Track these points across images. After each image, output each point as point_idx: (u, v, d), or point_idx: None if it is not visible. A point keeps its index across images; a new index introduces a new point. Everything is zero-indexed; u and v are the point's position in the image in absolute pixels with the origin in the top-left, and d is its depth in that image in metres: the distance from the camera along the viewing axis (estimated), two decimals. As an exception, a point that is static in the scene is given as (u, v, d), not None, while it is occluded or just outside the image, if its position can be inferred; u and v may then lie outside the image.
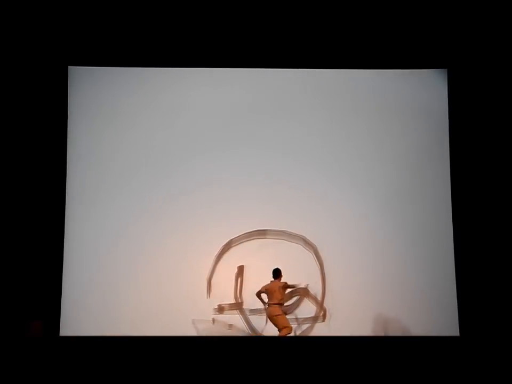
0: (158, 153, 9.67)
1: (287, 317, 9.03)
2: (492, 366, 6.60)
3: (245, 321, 9.33)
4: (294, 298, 9.39)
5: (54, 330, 8.87)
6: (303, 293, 9.39)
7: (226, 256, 9.47)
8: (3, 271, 8.98)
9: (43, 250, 9.18)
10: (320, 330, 9.25)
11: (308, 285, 9.30)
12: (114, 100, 9.72)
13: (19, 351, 6.69)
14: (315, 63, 9.75)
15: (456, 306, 9.25)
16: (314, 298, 9.40)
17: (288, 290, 9.05)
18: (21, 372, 6.53)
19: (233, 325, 9.30)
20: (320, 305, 9.35)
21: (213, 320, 9.27)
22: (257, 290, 9.03)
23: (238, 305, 9.34)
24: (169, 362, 6.65)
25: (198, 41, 9.53)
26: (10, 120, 9.33)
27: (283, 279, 8.96)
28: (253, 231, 9.51)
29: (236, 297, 9.34)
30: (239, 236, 9.47)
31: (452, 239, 9.49)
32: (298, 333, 9.19)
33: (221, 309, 9.29)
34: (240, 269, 9.38)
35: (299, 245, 9.50)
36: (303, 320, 9.31)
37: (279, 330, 8.80)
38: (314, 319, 9.32)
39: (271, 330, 8.95)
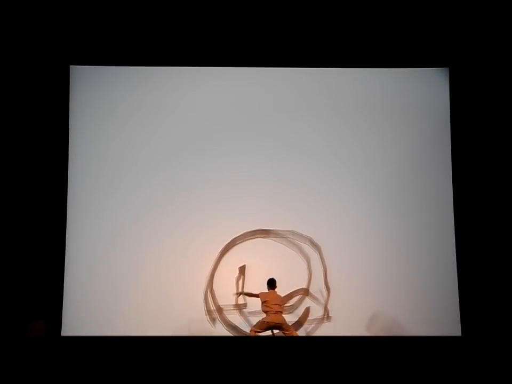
0: (160, 152, 9.67)
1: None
2: (494, 367, 6.59)
3: (246, 322, 9.33)
4: (295, 298, 9.38)
5: (55, 330, 8.88)
6: (305, 292, 9.38)
7: (228, 255, 9.47)
8: (5, 271, 8.99)
9: (45, 250, 9.19)
10: (321, 330, 9.26)
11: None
12: (116, 98, 9.72)
13: (21, 351, 6.68)
14: (317, 62, 9.75)
15: (458, 306, 9.26)
16: (315, 298, 9.38)
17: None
18: (23, 371, 6.52)
19: (235, 325, 9.33)
20: (325, 306, 9.33)
21: (213, 320, 9.28)
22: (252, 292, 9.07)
23: (239, 306, 9.32)
24: (171, 363, 6.64)
25: (201, 39, 9.53)
26: (12, 119, 9.33)
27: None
28: (256, 230, 9.51)
29: (237, 298, 9.34)
30: (241, 234, 9.48)
31: (454, 238, 9.49)
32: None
33: (219, 310, 9.29)
34: (242, 270, 9.36)
35: (305, 245, 9.48)
36: (309, 322, 9.29)
37: (284, 333, 8.83)
38: (320, 321, 9.31)
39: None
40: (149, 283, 9.26)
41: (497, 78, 9.48)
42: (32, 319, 8.28)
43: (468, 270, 9.31)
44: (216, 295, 9.32)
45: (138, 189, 9.58)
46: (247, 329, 9.20)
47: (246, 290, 9.28)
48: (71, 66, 9.68)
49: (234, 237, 9.46)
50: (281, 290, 9.05)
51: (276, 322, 8.86)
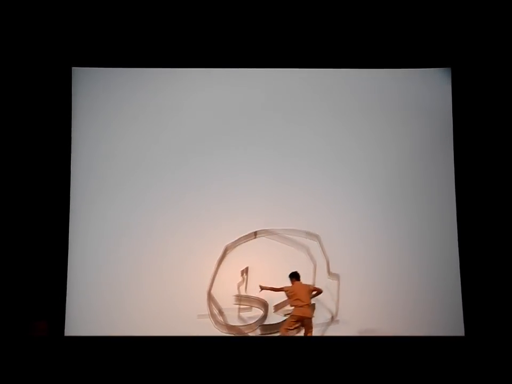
0: (162, 153, 9.67)
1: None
2: (497, 366, 6.59)
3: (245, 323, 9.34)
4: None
5: (59, 330, 8.89)
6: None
7: (229, 256, 9.47)
8: (9, 271, 9.00)
9: (48, 251, 9.20)
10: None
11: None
12: (118, 100, 9.74)
13: (24, 351, 6.69)
14: (318, 63, 9.76)
15: (461, 306, 9.24)
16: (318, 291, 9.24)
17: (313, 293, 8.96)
18: (26, 371, 6.53)
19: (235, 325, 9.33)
20: (336, 305, 9.30)
21: (216, 318, 9.29)
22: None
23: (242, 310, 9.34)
24: (174, 362, 6.65)
25: (203, 41, 9.54)
26: (15, 121, 9.35)
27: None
28: (258, 230, 9.51)
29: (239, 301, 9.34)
30: (243, 235, 9.48)
31: (457, 238, 9.48)
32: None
33: (221, 313, 9.29)
34: (244, 272, 9.35)
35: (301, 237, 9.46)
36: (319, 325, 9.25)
37: (306, 331, 8.72)
38: (329, 323, 9.28)
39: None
40: (152, 283, 9.26)
41: (499, 78, 9.48)
42: (35, 319, 8.31)
43: (471, 270, 9.30)
44: (216, 299, 9.30)
45: (140, 190, 9.59)
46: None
47: (248, 292, 9.27)
48: (73, 68, 9.70)
49: (234, 238, 9.44)
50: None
51: (305, 316, 8.63)
